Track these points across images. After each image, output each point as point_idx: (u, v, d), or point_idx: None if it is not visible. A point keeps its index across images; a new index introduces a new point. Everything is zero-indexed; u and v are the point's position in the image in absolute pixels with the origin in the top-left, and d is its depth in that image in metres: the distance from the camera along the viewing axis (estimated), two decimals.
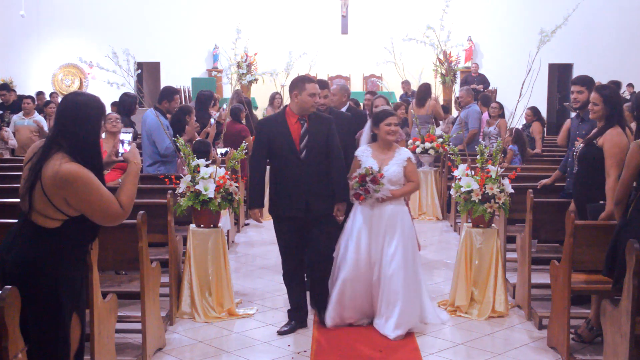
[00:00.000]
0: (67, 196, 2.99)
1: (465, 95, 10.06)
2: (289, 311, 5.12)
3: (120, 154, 3.34)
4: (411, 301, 4.92)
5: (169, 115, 7.06)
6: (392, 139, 5.04)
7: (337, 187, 4.95)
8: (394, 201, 4.98)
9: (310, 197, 4.85)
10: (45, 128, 10.01)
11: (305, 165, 4.83)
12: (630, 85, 15.55)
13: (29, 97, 10.36)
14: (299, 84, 4.86)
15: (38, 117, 10.15)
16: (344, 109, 6.13)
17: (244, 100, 9.33)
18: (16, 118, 10.09)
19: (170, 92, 7.11)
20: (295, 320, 5.05)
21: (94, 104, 3.14)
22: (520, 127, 9.32)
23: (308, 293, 5.24)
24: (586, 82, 5.55)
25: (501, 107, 9.74)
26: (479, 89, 12.71)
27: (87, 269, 3.64)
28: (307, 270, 5.18)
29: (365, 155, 5.06)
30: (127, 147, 3.34)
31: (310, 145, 4.84)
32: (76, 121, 3.06)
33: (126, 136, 3.36)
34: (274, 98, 11.65)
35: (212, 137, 7.63)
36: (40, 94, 14.07)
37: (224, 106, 8.51)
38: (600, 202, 4.80)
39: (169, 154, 6.74)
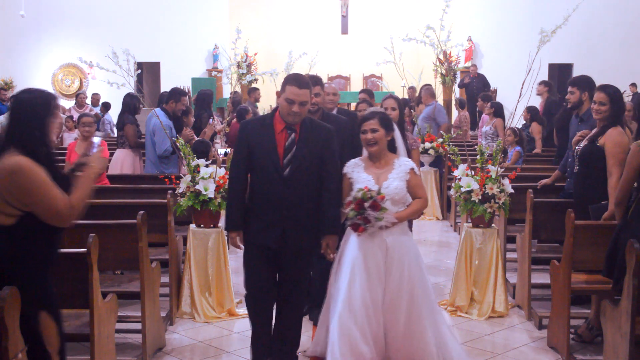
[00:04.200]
0: (12, 189, 2.93)
1: (425, 94, 10.49)
2: None
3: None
4: (429, 343, 4.04)
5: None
6: (371, 150, 4.11)
7: (326, 216, 3.95)
8: (395, 226, 4.03)
9: (289, 225, 3.90)
10: None
11: (289, 185, 3.87)
12: (633, 84, 15.56)
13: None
14: (283, 83, 3.96)
15: None
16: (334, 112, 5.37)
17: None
18: (2, 119, 9.81)
19: (178, 94, 7.21)
20: None
21: (40, 100, 3.09)
22: (519, 127, 9.33)
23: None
24: (577, 82, 5.55)
25: (492, 106, 9.76)
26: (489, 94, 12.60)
27: (88, 268, 3.66)
28: (275, 319, 4.17)
29: (357, 171, 4.11)
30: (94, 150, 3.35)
31: (298, 161, 3.89)
32: (22, 118, 3.04)
33: (97, 139, 3.37)
34: None
35: (209, 136, 7.69)
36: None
37: (211, 120, 8.50)
38: (602, 202, 4.80)
39: (167, 156, 6.82)
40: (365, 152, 4.27)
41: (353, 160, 4.21)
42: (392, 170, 4.09)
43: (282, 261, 4.01)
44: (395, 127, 4.27)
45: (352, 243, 4.05)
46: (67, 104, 15.24)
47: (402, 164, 4.13)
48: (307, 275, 4.21)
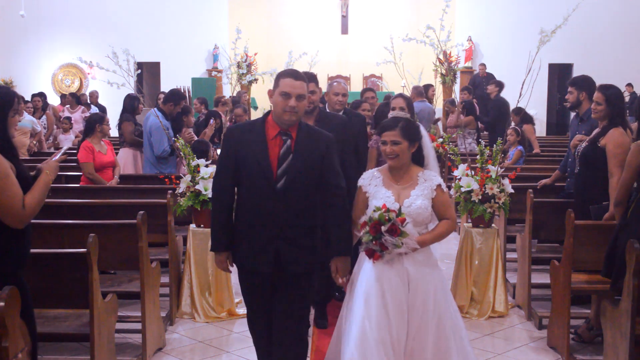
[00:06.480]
0: None
1: (413, 94, 10.62)
2: None
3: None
4: None
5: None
6: (391, 163, 3.57)
7: (333, 237, 3.44)
8: (419, 251, 3.45)
9: (284, 245, 3.35)
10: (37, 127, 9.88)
11: (283, 200, 3.33)
12: (629, 85, 15.55)
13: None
14: (276, 79, 3.49)
15: (29, 117, 9.92)
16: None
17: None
18: None
19: (178, 97, 7.25)
20: None
21: (3, 96, 3.08)
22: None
23: None
24: (576, 82, 5.54)
25: (460, 103, 9.88)
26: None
27: (88, 268, 3.66)
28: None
29: (374, 184, 3.56)
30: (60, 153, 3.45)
31: (294, 172, 3.34)
32: None
33: (67, 143, 3.37)
34: None
35: (209, 137, 7.71)
36: None
37: (211, 121, 8.48)
38: (604, 202, 4.80)
39: (164, 157, 6.84)
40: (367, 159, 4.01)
41: (370, 171, 3.70)
42: (417, 185, 3.53)
43: (280, 283, 3.43)
44: (425, 134, 3.73)
45: (366, 271, 3.47)
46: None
47: (428, 178, 3.56)
48: (307, 304, 3.57)
